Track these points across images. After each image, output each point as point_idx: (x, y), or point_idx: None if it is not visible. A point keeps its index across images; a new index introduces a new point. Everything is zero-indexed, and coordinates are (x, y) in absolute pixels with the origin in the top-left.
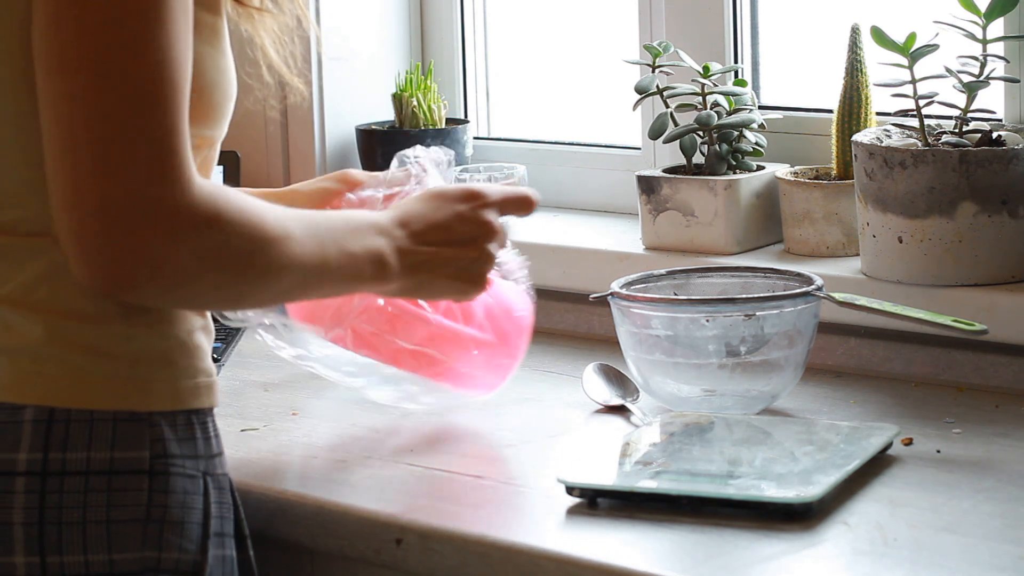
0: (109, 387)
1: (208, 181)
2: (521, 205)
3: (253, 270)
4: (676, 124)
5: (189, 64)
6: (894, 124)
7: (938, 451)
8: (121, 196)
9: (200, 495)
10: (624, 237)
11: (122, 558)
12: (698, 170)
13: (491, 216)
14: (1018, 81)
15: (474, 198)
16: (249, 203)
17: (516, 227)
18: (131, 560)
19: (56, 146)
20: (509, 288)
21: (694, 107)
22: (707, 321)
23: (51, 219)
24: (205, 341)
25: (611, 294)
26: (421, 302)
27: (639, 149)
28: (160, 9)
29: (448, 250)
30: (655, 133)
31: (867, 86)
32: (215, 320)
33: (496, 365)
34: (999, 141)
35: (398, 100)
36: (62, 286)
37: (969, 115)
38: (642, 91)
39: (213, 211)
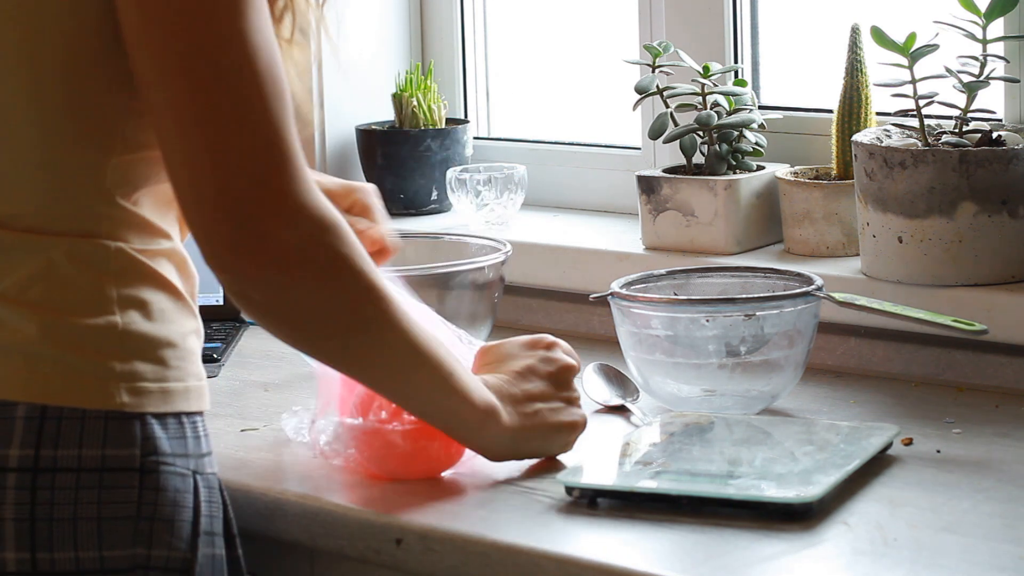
0: (101, 387)
1: (326, 200)
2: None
3: (358, 307)
4: (676, 124)
5: (280, 60)
6: (894, 124)
7: (938, 451)
8: (241, 188)
9: (191, 493)
10: (624, 237)
11: (112, 555)
12: (698, 170)
13: (561, 354)
14: (1018, 81)
15: (541, 342)
16: (359, 242)
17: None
18: (121, 557)
19: (175, 155)
20: None
21: (694, 107)
22: (707, 321)
23: (51, 216)
24: (196, 345)
25: (611, 294)
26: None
27: (639, 149)
28: (246, 7)
29: (538, 403)
30: (655, 133)
31: (867, 86)
32: (216, 319)
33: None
34: (999, 141)
35: (398, 100)
36: (57, 285)
37: (969, 115)
38: (642, 91)
39: (331, 215)
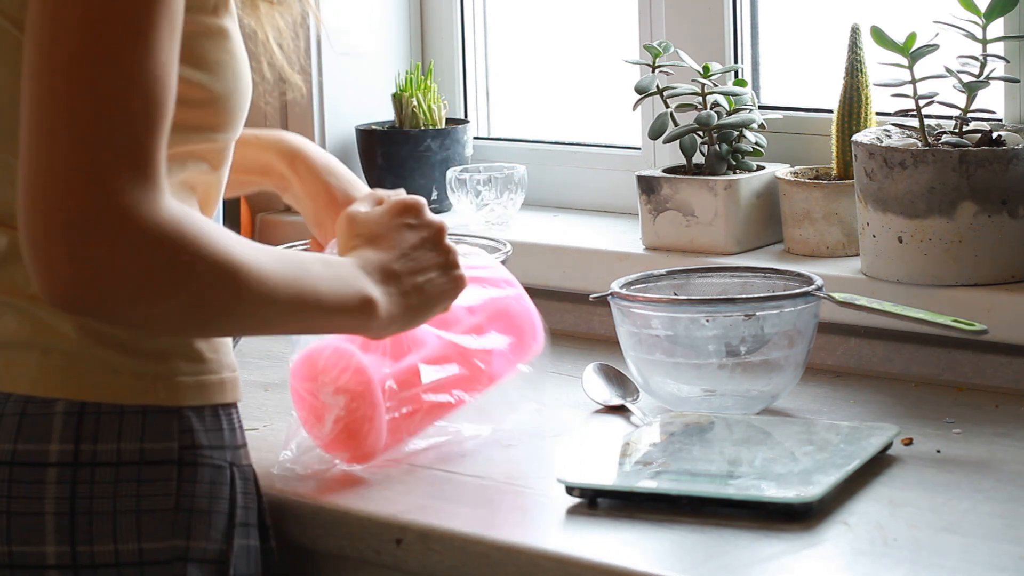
0: (138, 383)
1: (179, 204)
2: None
3: (219, 299)
4: (676, 124)
5: (172, 81)
6: (894, 124)
7: (938, 451)
8: (84, 204)
9: (227, 485)
10: (624, 237)
11: (151, 547)
12: (698, 170)
13: (429, 216)
14: (1018, 81)
15: (409, 210)
16: (219, 231)
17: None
18: (160, 549)
19: (25, 149)
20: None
21: (694, 107)
22: (707, 321)
23: None
24: (229, 336)
25: (611, 294)
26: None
27: (639, 149)
28: (142, 23)
29: (413, 264)
30: (655, 133)
31: (867, 86)
32: None
33: (525, 351)
34: (999, 141)
35: (398, 100)
36: None
37: (969, 115)
38: (642, 91)
39: (179, 233)
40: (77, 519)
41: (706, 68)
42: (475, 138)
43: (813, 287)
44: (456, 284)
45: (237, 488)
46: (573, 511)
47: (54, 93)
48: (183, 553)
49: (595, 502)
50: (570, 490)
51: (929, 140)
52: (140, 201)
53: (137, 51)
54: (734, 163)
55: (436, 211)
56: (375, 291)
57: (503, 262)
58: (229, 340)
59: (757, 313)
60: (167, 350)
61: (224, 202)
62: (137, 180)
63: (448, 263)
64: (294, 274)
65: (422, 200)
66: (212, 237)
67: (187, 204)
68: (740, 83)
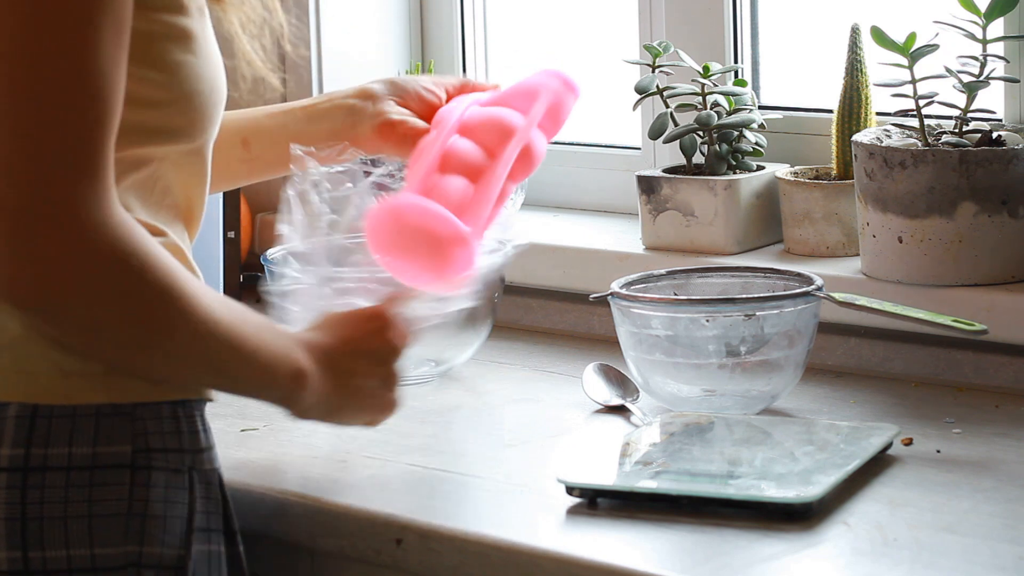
0: (89, 381)
1: (129, 217)
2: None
3: (155, 322)
4: (676, 124)
5: (117, 80)
6: (894, 124)
7: (938, 451)
8: (23, 201)
9: (185, 489)
10: (624, 237)
11: (104, 552)
12: (698, 170)
13: (391, 334)
14: (1018, 81)
15: (380, 319)
16: (167, 256)
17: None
18: (113, 555)
19: None
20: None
21: (694, 107)
22: (707, 321)
23: None
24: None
25: (611, 294)
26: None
27: (639, 149)
28: (83, 22)
29: (354, 374)
30: (655, 133)
31: (867, 86)
32: None
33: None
34: (999, 141)
35: None
36: None
37: (969, 115)
38: (642, 91)
39: (126, 245)
40: (28, 524)
41: (706, 68)
42: None
43: (813, 287)
44: (388, 406)
45: (196, 493)
46: (573, 511)
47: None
48: (137, 559)
49: (595, 502)
50: (570, 490)
51: (929, 140)
52: (82, 199)
53: (78, 50)
54: (734, 163)
55: None
56: (310, 367)
57: (503, 262)
58: None
59: (757, 313)
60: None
61: (224, 202)
62: (79, 178)
63: (389, 382)
64: (233, 319)
65: (398, 317)
66: (161, 256)
67: (163, 211)
68: (740, 83)
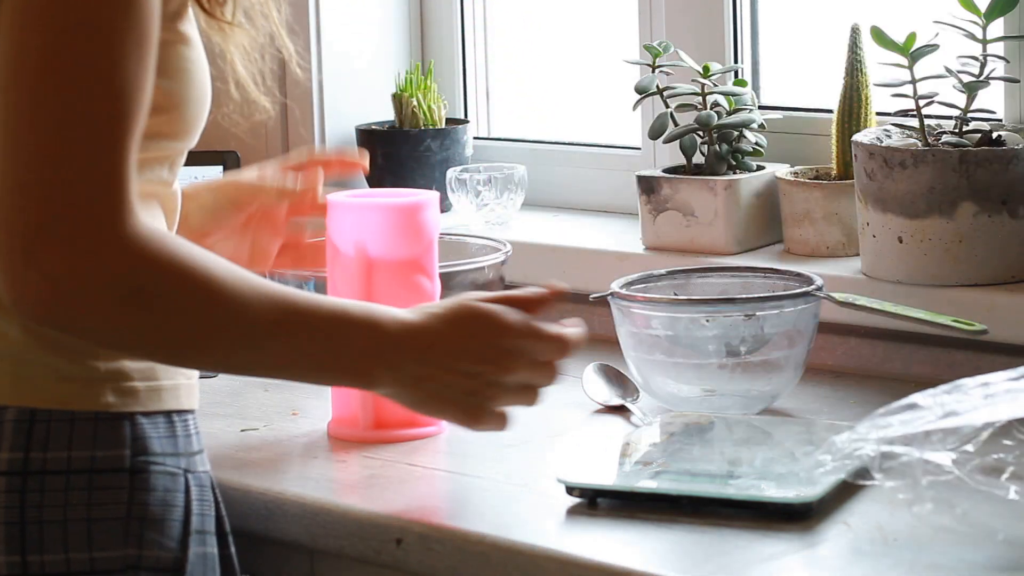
0: (88, 389)
1: (153, 224)
2: (558, 347)
3: (185, 329)
4: (676, 124)
5: (144, 91)
6: (894, 124)
7: None
8: (43, 215)
9: (181, 492)
10: (624, 237)
11: (103, 556)
12: (698, 170)
13: (514, 357)
14: (1018, 81)
15: (502, 332)
16: (200, 257)
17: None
18: (112, 558)
19: None
20: None
21: (694, 107)
22: (707, 321)
23: None
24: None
25: (611, 294)
26: None
27: (639, 149)
28: (107, 36)
29: (448, 375)
30: (655, 133)
31: (867, 86)
32: None
33: None
34: (999, 141)
35: (398, 100)
36: None
37: (969, 115)
38: (642, 91)
39: (151, 252)
40: (27, 528)
41: (706, 68)
42: (475, 138)
43: (813, 287)
44: (481, 416)
45: (192, 495)
46: (573, 511)
47: (19, 106)
48: (136, 562)
49: (595, 502)
50: (570, 490)
51: (929, 140)
52: (102, 214)
53: (101, 63)
54: (734, 163)
55: None
56: (376, 368)
57: (502, 263)
58: None
59: (757, 313)
60: (117, 354)
61: None
62: (99, 193)
63: (490, 392)
64: (287, 312)
65: (541, 332)
66: (190, 264)
67: (149, 214)
68: (740, 83)
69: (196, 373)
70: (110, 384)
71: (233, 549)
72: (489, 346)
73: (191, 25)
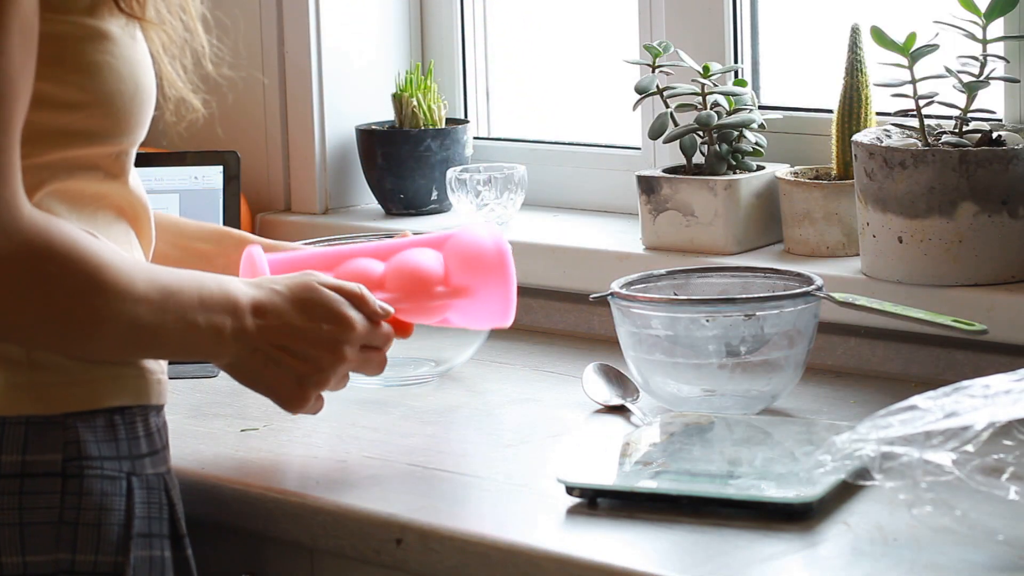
0: (15, 392)
1: (43, 213)
2: (381, 343)
3: (76, 316)
4: (676, 124)
5: (23, 87)
6: (894, 124)
7: None
8: None
9: (122, 496)
10: (624, 237)
11: (35, 560)
12: (698, 170)
13: (349, 349)
14: (1018, 81)
15: (343, 326)
16: (89, 245)
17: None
18: (44, 562)
19: None
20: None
21: (694, 107)
22: (707, 321)
23: None
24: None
25: (611, 294)
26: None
27: (639, 149)
28: None
29: (288, 357)
30: (655, 133)
31: (867, 86)
32: None
33: (485, 310)
34: (999, 141)
35: (398, 100)
36: None
37: (969, 115)
38: (642, 91)
39: (42, 242)
40: None
41: (706, 68)
42: (475, 138)
43: (813, 287)
44: (302, 401)
45: (135, 499)
46: (573, 511)
47: None
48: (69, 566)
49: (595, 502)
50: (570, 490)
51: (929, 140)
52: None
53: None
54: (734, 163)
55: (436, 211)
56: (230, 327)
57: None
58: None
59: (757, 313)
60: (44, 357)
61: (224, 202)
62: None
63: (319, 378)
64: (164, 303)
65: (363, 333)
66: (80, 252)
67: (100, 214)
68: (740, 83)
69: (152, 366)
70: (39, 388)
71: (190, 551)
72: (329, 336)
73: (116, 22)
